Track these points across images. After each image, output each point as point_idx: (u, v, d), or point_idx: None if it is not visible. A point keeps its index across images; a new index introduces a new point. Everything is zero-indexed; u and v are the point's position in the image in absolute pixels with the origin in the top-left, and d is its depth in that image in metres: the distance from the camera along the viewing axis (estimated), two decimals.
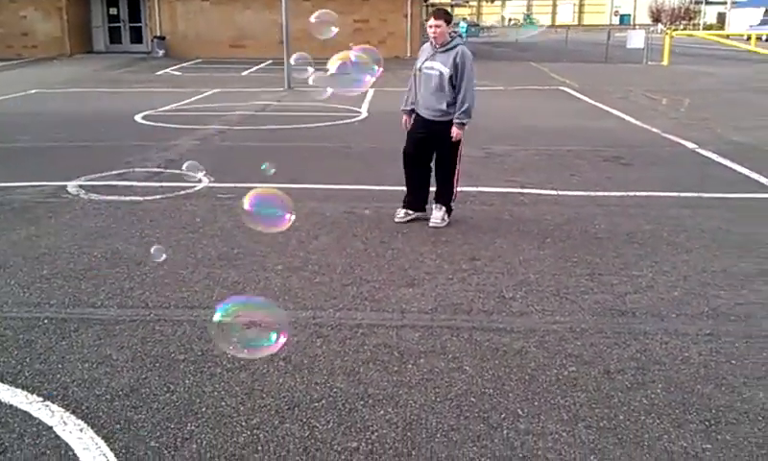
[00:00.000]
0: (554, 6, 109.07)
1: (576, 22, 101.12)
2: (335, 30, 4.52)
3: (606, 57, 27.76)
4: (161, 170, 8.16)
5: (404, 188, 6.16)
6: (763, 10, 70.35)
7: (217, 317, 2.81)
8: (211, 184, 7.39)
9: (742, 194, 7.22)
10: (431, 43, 5.83)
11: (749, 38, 36.45)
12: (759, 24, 55.62)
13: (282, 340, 2.81)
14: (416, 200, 6.12)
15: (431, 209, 6.08)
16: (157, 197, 6.92)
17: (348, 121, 12.36)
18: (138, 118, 12.39)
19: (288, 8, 18.08)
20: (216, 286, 4.64)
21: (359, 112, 13.44)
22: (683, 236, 5.79)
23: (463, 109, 5.70)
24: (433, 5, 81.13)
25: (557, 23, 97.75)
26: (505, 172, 8.10)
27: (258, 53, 29.86)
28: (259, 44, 30.61)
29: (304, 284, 4.70)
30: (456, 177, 6.01)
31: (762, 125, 11.94)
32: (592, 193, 7.23)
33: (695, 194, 7.16)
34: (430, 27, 5.75)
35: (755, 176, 7.97)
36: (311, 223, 6.09)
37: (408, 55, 30.79)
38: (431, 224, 5.98)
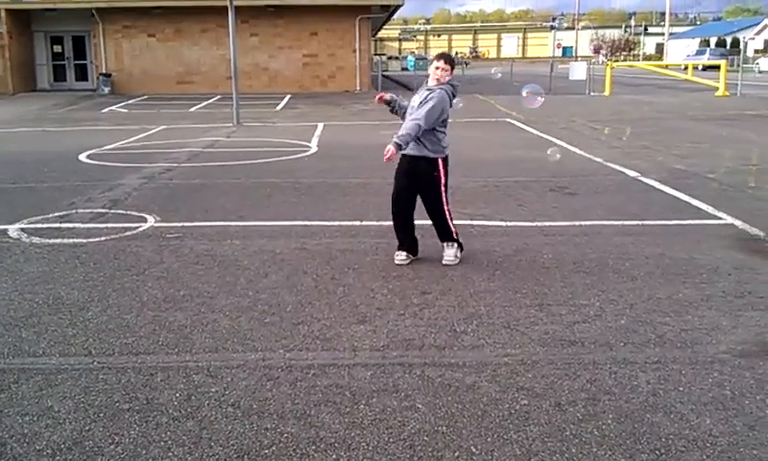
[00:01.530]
0: (499, 39, 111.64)
1: (520, 55, 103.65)
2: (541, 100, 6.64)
3: (549, 88, 28.41)
4: (106, 211, 7.98)
5: (357, 223, 6.11)
6: (698, 40, 73.31)
7: None
8: (157, 224, 7.25)
9: (683, 220, 7.41)
10: (426, 83, 5.78)
11: (686, 68, 37.88)
12: (696, 54, 57.95)
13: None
14: (410, 246, 6.00)
15: (443, 248, 5.98)
16: (102, 238, 6.76)
17: (298, 156, 12.33)
18: (83, 157, 12.15)
19: (236, 43, 18.08)
20: (162, 330, 4.52)
21: (309, 147, 13.44)
22: (628, 264, 5.90)
23: (401, 133, 5.53)
24: (381, 40, 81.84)
25: (502, 56, 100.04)
26: (455, 204, 8.08)
27: (206, 88, 29.79)
28: (207, 80, 30.56)
29: (254, 325, 4.62)
30: (448, 216, 5.89)
31: (700, 152, 12.36)
32: (539, 223, 7.34)
33: (638, 222, 7.33)
34: (437, 69, 5.68)
35: (694, 202, 8.20)
36: (260, 261, 6.02)
37: (357, 89, 31.07)
38: (444, 262, 5.89)
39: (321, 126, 17.24)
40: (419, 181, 5.83)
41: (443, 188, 5.84)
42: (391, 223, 6.07)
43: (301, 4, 30.46)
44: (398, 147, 5.52)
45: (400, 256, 5.94)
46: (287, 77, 31.19)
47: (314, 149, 13.24)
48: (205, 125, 17.79)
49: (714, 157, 11.83)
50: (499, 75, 33.47)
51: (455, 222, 6.04)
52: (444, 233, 5.96)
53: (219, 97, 26.63)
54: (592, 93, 27.39)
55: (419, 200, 5.95)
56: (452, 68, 5.77)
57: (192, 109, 22.73)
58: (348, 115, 20.54)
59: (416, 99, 5.78)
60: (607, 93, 27.25)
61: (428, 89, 5.72)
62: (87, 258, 6.14)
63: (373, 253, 6.23)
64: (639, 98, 26.12)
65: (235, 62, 18.05)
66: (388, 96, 5.99)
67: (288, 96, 27.61)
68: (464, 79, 35.81)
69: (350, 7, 31.02)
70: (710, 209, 7.82)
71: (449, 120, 5.86)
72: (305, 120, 18.88)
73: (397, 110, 6.01)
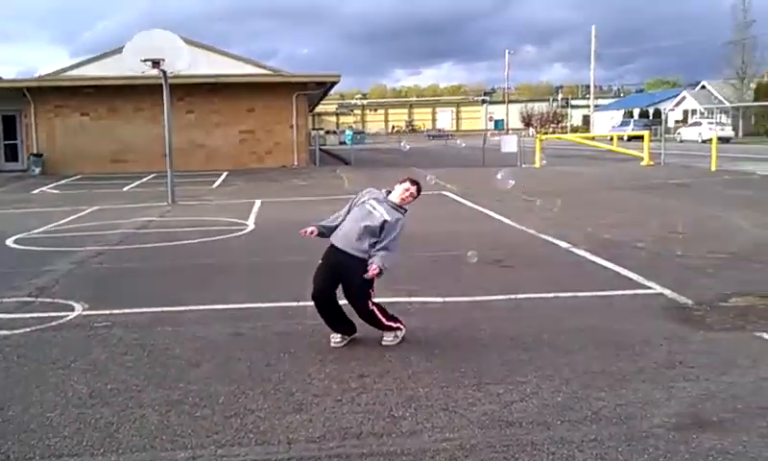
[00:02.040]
0: (434, 113, 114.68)
1: (455, 128, 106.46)
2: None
3: (483, 161, 29.15)
4: (32, 299, 7.68)
5: (294, 303, 6.01)
6: (623, 111, 76.82)
7: None
8: (85, 312, 7.00)
9: (615, 291, 7.58)
10: (385, 196, 5.86)
11: (612, 139, 39.54)
12: (620, 125, 60.61)
13: None
14: (345, 330, 5.91)
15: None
16: (27, 329, 6.48)
17: (234, 234, 12.21)
18: (10, 243, 11.74)
19: (171, 121, 18.02)
20: (87, 429, 4.31)
21: (246, 225, 13.34)
22: (563, 338, 5.96)
23: (386, 261, 5.58)
24: (319, 114, 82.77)
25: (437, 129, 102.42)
26: (392, 280, 8.11)
27: (141, 167, 29.42)
28: (142, 158, 30.20)
29: (184, 420, 4.44)
30: (377, 312, 5.81)
31: (627, 221, 12.78)
32: (477, 298, 7.39)
33: (571, 294, 7.46)
34: (407, 189, 5.85)
35: (625, 272, 8.42)
36: (192, 349, 5.85)
37: (295, 164, 31.23)
38: (383, 343, 5.83)
39: (258, 203, 17.18)
40: (349, 280, 5.72)
41: (372, 291, 5.78)
42: None
43: (238, 82, 30.72)
44: (381, 271, 5.56)
45: (336, 339, 5.86)
46: (224, 153, 31.12)
47: (251, 227, 13.14)
48: (139, 204, 17.51)
49: (642, 226, 12.22)
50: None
51: (387, 299, 6.02)
52: (378, 327, 5.89)
53: (154, 175, 26.32)
54: (524, 165, 28.20)
55: None
56: (415, 198, 5.98)
57: (126, 189, 22.38)
58: (285, 191, 20.56)
59: (380, 209, 5.73)
60: (537, 165, 28.10)
61: (395, 208, 5.80)
62: (11, 352, 5.86)
63: (310, 335, 6.14)
64: (568, 169, 27.01)
65: (170, 140, 17.95)
66: (315, 230, 5.90)
67: (225, 173, 27.50)
68: (400, 152, 36.45)
69: (287, 84, 31.46)
70: (640, 279, 8.03)
71: None
72: (242, 197, 18.79)
73: (326, 233, 5.90)
